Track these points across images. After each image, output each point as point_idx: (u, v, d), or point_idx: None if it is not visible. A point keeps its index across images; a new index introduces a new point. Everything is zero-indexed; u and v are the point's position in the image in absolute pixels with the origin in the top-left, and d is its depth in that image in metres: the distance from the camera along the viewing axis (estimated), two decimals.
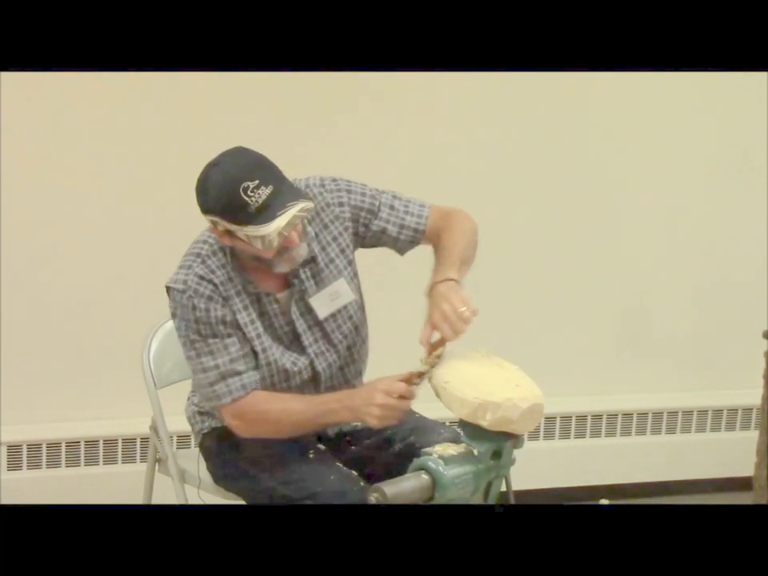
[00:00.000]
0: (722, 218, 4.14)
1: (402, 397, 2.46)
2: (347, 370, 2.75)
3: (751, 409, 4.15)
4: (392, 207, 2.71)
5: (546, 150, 3.93)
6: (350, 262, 2.72)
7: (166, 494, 2.90)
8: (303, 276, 2.65)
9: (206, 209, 2.50)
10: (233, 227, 2.47)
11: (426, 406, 2.74)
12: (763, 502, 3.41)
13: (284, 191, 2.46)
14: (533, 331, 3.90)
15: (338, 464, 2.62)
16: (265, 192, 2.43)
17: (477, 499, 2.32)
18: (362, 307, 2.76)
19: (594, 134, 3.98)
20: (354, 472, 2.60)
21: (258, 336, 2.62)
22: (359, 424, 2.75)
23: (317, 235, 2.66)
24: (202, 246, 2.63)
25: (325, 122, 3.68)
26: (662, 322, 4.16)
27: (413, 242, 2.73)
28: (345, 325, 2.70)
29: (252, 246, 2.49)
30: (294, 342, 2.67)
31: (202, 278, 2.58)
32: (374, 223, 2.70)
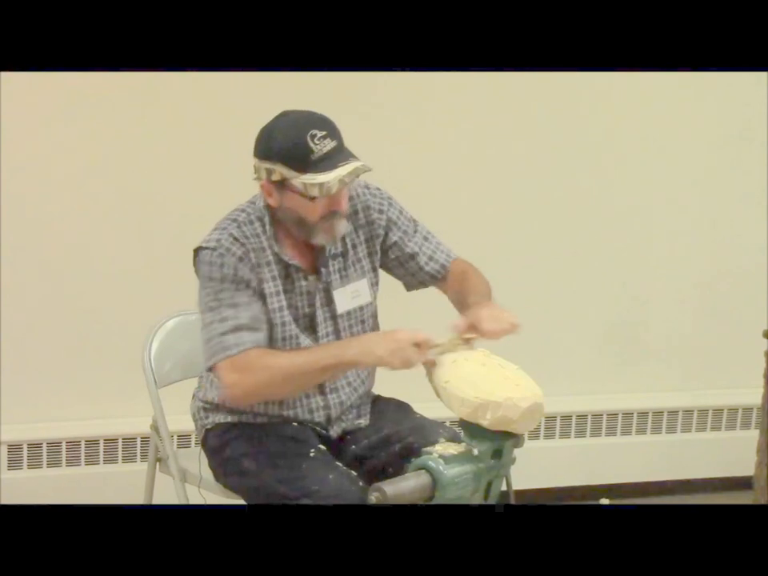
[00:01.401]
0: (722, 218, 4.14)
1: (416, 345, 2.44)
2: (349, 372, 2.74)
3: (751, 408, 4.14)
4: (426, 238, 2.77)
5: (544, 150, 3.93)
6: (374, 269, 2.75)
7: (167, 493, 2.90)
8: (331, 268, 2.67)
9: (267, 154, 2.53)
10: (291, 174, 2.49)
11: (426, 405, 2.75)
12: (763, 501, 3.41)
13: (345, 150, 2.53)
14: (532, 331, 3.89)
15: (337, 463, 2.62)
16: (329, 144, 2.49)
17: (477, 499, 2.32)
18: (374, 315, 2.78)
19: (593, 134, 3.98)
20: (353, 472, 2.60)
21: (281, 309, 2.63)
22: (362, 422, 2.77)
23: (351, 232, 2.69)
24: (239, 214, 2.65)
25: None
26: (662, 321, 4.15)
27: (434, 278, 2.76)
28: (356, 326, 2.71)
29: (304, 199, 2.51)
30: (308, 328, 2.67)
31: (235, 239, 2.60)
32: (408, 245, 2.74)
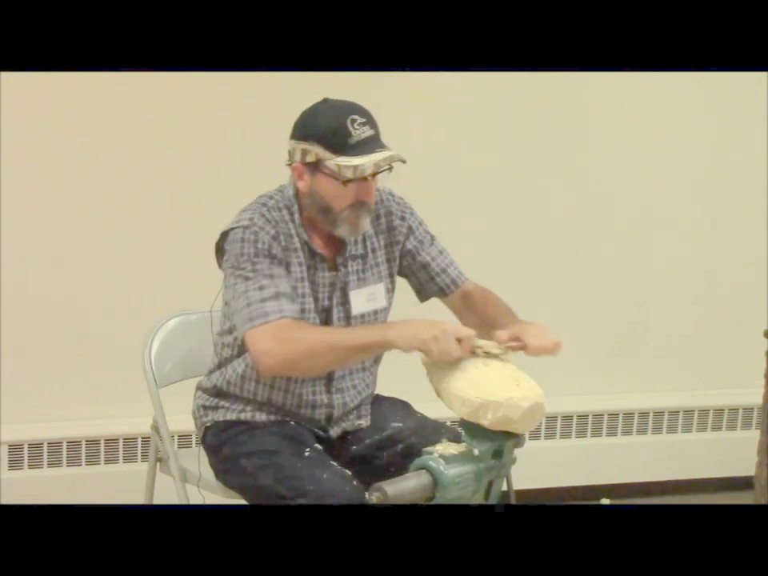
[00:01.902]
0: (722, 218, 4.14)
1: (458, 339, 2.43)
2: (356, 375, 2.76)
3: (752, 408, 4.14)
4: (441, 252, 2.79)
5: (544, 150, 3.93)
6: (392, 275, 2.76)
7: (168, 493, 2.90)
8: (350, 268, 2.68)
9: (305, 135, 2.56)
10: (326, 156, 2.52)
11: (426, 405, 2.75)
12: (764, 501, 3.41)
13: (381, 140, 2.56)
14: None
15: (332, 463, 2.61)
16: (368, 131, 2.54)
17: (478, 499, 2.32)
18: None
19: (593, 135, 3.98)
20: (347, 471, 2.59)
21: (303, 296, 2.64)
22: (362, 422, 2.78)
23: (372, 235, 2.71)
24: (267, 200, 2.66)
25: None
26: (663, 321, 4.15)
27: (442, 291, 2.77)
28: None
29: (335, 183, 2.53)
30: (323, 323, 2.67)
31: (267, 221, 2.61)
32: (421, 254, 2.75)
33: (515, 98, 3.86)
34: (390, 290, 2.76)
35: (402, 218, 2.75)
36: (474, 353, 2.44)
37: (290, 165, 2.62)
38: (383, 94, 3.71)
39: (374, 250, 2.72)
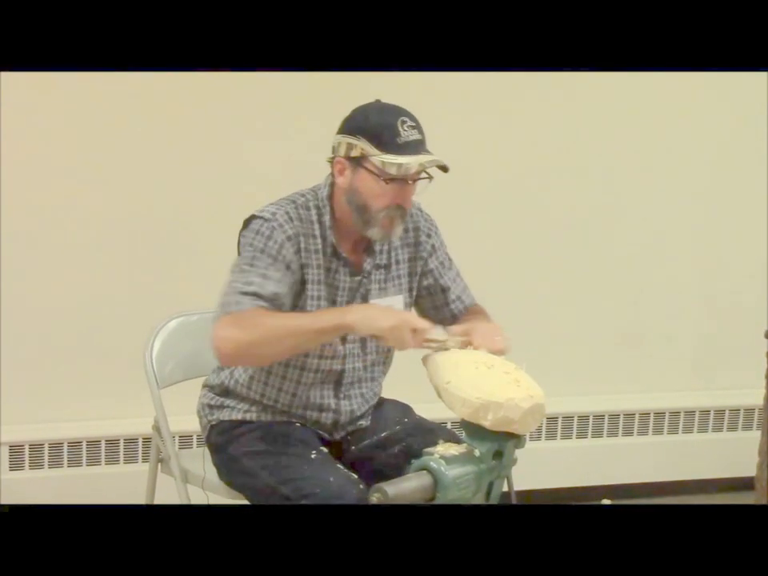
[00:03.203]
0: (722, 218, 4.14)
1: (414, 330, 2.45)
2: (365, 384, 2.76)
3: (753, 409, 4.15)
4: (458, 276, 2.81)
5: (545, 150, 3.93)
6: (411, 289, 2.76)
7: (169, 494, 2.90)
8: (373, 277, 2.69)
9: (354, 129, 2.57)
10: (373, 151, 2.53)
11: (426, 406, 2.75)
12: (765, 502, 3.41)
13: (427, 146, 2.57)
14: (534, 331, 3.90)
15: (338, 466, 2.61)
16: (415, 135, 2.56)
17: (478, 499, 2.32)
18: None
19: (596, 135, 3.98)
20: (354, 474, 2.59)
21: (318, 298, 2.63)
22: (363, 423, 2.78)
23: (397, 247, 2.72)
24: (298, 197, 2.66)
25: (324, 122, 3.68)
26: (663, 321, 4.15)
27: (454, 317, 2.77)
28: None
29: (376, 181, 2.53)
30: None
31: (290, 218, 2.61)
32: (443, 277, 2.77)
33: (515, 99, 3.86)
34: (408, 305, 2.75)
35: (429, 235, 2.76)
36: (426, 346, 2.47)
37: (331, 160, 2.62)
38: (383, 93, 3.72)
39: (397, 262, 2.73)
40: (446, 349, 2.49)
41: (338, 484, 2.52)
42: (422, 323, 2.48)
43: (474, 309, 2.80)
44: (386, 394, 2.87)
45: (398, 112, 2.57)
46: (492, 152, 3.87)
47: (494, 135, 3.86)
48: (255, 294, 2.51)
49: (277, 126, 3.66)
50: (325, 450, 2.67)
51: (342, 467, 2.61)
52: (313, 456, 2.61)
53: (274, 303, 2.53)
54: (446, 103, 3.79)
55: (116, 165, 3.58)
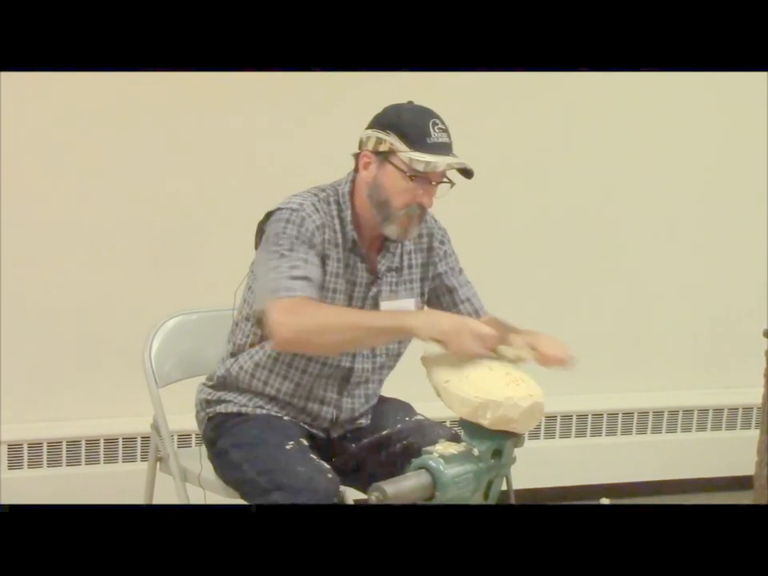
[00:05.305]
0: (722, 218, 4.15)
1: (479, 337, 2.42)
2: (370, 385, 2.77)
3: (752, 408, 4.15)
4: (467, 282, 2.82)
5: (545, 150, 3.94)
6: (423, 294, 2.77)
7: (167, 493, 2.90)
8: (385, 279, 2.69)
9: (385, 124, 2.60)
10: (402, 147, 2.55)
11: (426, 405, 2.75)
12: (764, 501, 3.42)
13: (453, 151, 2.61)
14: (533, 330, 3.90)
15: (312, 456, 2.59)
16: (444, 138, 2.60)
17: (477, 498, 2.32)
18: (410, 339, 2.75)
19: (596, 135, 3.99)
20: (325, 464, 2.58)
21: (335, 291, 2.64)
22: (362, 421, 2.78)
23: (410, 251, 2.73)
24: (319, 192, 2.67)
25: (323, 121, 3.68)
26: (662, 320, 4.16)
27: None
28: (393, 345, 2.73)
29: (401, 178, 2.55)
30: None
31: (316, 209, 2.63)
32: (450, 279, 2.78)
33: (515, 99, 3.87)
34: (419, 309, 2.75)
35: (442, 242, 2.79)
36: (497, 357, 2.43)
37: (357, 154, 2.64)
38: (383, 93, 3.72)
39: (410, 266, 2.74)
40: (522, 361, 2.45)
41: (307, 474, 2.51)
42: (486, 329, 2.45)
43: (494, 320, 2.74)
44: (386, 392, 2.87)
45: (430, 114, 2.61)
46: (492, 152, 3.87)
47: (494, 135, 3.86)
48: (305, 278, 2.53)
49: (280, 126, 3.66)
50: (304, 442, 2.64)
51: (314, 457, 2.59)
52: (288, 447, 2.60)
53: (319, 289, 2.57)
54: (446, 103, 3.78)
55: (116, 165, 3.58)
